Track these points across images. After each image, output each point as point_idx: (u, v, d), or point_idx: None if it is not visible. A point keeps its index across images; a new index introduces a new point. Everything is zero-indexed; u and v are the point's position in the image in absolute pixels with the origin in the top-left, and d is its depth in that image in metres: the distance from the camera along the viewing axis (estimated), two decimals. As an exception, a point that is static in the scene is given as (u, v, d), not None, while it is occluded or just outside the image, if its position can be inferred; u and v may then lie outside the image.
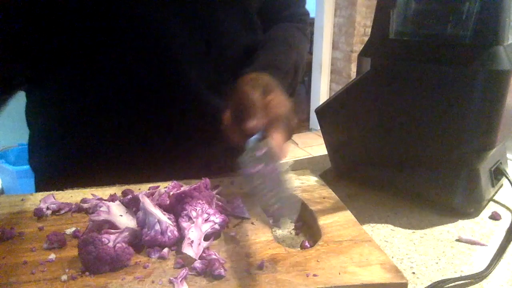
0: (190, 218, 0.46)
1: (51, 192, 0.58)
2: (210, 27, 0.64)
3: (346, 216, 0.52)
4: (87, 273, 0.41)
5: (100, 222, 0.47)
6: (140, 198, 0.48)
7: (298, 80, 0.72)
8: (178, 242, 0.45)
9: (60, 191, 0.58)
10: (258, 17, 0.72)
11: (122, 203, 0.51)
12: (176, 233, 0.46)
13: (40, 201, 0.54)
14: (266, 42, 0.69)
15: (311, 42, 4.59)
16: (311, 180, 0.62)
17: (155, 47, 0.61)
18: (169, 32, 0.61)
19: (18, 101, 0.70)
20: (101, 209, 0.48)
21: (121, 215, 0.48)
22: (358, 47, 3.78)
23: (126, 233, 0.45)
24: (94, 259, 0.41)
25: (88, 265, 0.41)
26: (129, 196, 0.52)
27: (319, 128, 0.70)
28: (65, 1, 0.57)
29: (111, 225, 0.47)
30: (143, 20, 0.59)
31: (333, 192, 0.58)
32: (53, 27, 0.59)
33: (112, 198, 0.55)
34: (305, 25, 0.79)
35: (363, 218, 0.57)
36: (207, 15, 0.63)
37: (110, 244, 0.42)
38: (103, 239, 0.42)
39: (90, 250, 0.41)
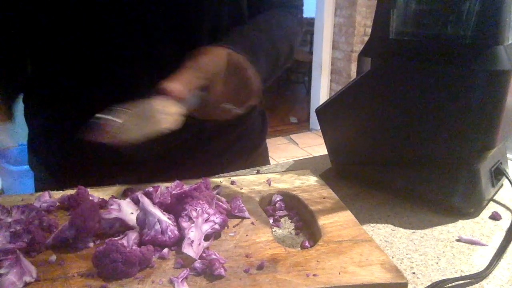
0: (190, 218, 0.46)
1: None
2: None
3: (346, 216, 0.52)
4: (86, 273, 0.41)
5: (112, 220, 0.47)
6: (140, 198, 0.48)
7: (278, 66, 0.69)
8: (178, 242, 0.45)
9: (60, 191, 0.58)
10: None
11: (132, 200, 0.51)
12: (176, 232, 0.46)
13: (35, 199, 0.54)
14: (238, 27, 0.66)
15: (311, 42, 4.60)
16: (311, 180, 0.62)
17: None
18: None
19: (18, 101, 0.70)
20: (112, 207, 0.48)
21: (132, 213, 0.48)
22: (358, 47, 3.78)
23: (136, 234, 0.45)
24: (123, 265, 0.40)
25: (116, 272, 0.40)
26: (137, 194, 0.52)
27: (319, 128, 0.70)
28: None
29: (122, 223, 0.47)
30: None
31: (333, 192, 0.58)
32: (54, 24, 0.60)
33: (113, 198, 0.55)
34: (295, 10, 0.75)
35: (363, 218, 0.57)
36: None
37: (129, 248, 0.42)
38: (124, 244, 0.42)
39: (115, 257, 0.40)
